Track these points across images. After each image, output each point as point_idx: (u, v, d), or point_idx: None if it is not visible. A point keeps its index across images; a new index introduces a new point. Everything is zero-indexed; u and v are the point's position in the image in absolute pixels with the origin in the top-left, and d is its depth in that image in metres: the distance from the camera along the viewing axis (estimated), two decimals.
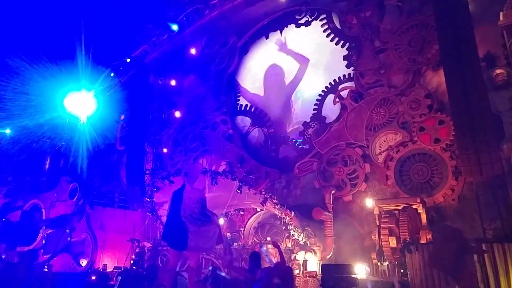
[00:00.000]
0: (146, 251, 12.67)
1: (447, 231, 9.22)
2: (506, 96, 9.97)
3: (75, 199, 16.82)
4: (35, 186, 18.07)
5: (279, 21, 15.19)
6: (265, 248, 6.04)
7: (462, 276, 7.17)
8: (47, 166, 18.34)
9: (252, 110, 15.26)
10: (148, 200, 13.43)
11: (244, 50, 15.91)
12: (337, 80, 13.44)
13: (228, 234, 12.75)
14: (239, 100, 15.73)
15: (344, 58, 13.39)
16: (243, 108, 15.56)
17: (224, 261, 10.28)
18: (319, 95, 13.73)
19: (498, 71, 10.06)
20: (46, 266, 13.01)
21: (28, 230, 16.85)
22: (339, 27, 13.72)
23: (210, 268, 8.74)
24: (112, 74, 17.28)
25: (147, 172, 15.35)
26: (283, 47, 15.23)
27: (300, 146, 13.70)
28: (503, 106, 9.95)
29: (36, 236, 16.92)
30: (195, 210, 8.33)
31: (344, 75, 13.33)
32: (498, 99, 9.97)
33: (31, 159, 17.84)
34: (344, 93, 12.96)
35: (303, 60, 14.71)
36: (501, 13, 9.80)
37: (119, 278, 9.52)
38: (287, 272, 6.49)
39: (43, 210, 17.68)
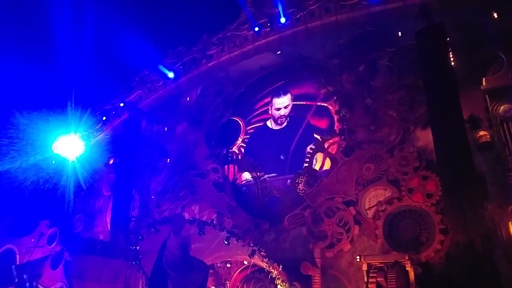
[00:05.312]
0: None
1: None
2: (489, 157, 10.37)
3: (53, 245, 16.28)
4: (11, 229, 17.51)
5: (274, 76, 15.56)
6: None
7: None
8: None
9: (245, 160, 15.17)
10: (132, 248, 13.08)
11: (239, 101, 16.06)
12: (329, 136, 13.64)
13: None
14: (231, 148, 15.75)
15: (336, 113, 13.73)
16: (235, 157, 15.55)
17: None
18: (310, 148, 13.87)
19: (481, 132, 10.52)
20: None
21: None
22: (332, 83, 14.05)
23: None
24: (104, 118, 17.36)
25: (132, 219, 15.03)
26: (276, 100, 15.50)
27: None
28: (486, 167, 10.30)
29: (7, 283, 16.20)
30: (178, 257, 8.21)
31: (335, 130, 13.64)
32: (482, 160, 10.34)
33: (10, 202, 17.34)
34: (334, 148, 13.22)
35: (295, 113, 15.00)
36: (483, 79, 10.41)
37: None
38: None
39: (17, 256, 17.02)
